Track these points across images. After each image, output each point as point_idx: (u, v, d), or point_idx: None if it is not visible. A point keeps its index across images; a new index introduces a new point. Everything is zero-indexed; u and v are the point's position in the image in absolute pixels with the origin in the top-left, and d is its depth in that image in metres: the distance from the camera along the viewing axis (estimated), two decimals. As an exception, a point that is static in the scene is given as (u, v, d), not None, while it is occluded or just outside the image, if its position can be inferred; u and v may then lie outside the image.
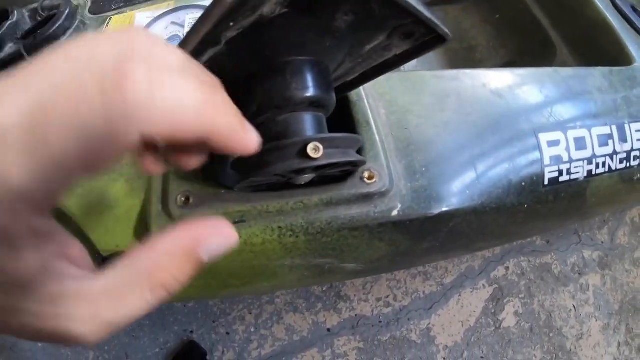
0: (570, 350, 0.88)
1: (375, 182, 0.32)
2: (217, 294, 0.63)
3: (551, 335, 0.88)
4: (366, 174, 0.32)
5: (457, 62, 0.87)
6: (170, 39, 0.61)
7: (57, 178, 0.11)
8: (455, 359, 0.81)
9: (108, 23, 0.64)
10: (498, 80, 0.45)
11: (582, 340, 0.90)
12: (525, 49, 0.86)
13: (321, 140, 0.25)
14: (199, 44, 0.22)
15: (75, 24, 0.54)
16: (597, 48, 0.67)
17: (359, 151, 0.34)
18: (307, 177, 0.29)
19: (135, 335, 0.79)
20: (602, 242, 0.99)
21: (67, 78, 0.11)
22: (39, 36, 0.52)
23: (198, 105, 0.13)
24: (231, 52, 0.25)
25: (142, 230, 0.35)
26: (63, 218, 0.37)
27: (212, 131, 0.14)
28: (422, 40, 0.28)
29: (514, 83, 0.46)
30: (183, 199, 0.32)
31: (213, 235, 0.16)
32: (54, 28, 0.52)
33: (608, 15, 0.62)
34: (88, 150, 0.11)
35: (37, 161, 0.11)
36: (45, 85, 0.11)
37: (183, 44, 0.22)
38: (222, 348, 0.78)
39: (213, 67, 0.26)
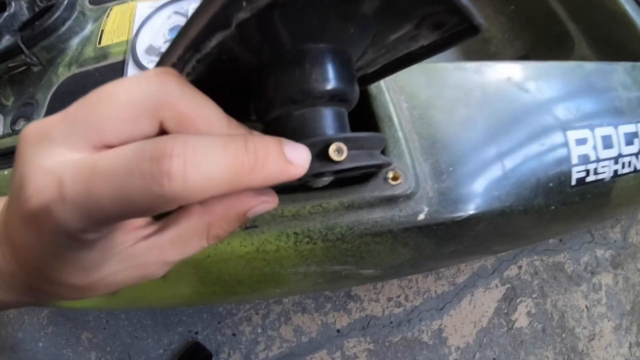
0: (582, 351, 0.86)
1: (400, 183, 0.29)
2: (224, 300, 0.60)
3: (563, 335, 0.86)
4: (390, 175, 0.29)
5: (470, 54, 0.83)
6: (173, 29, 0.58)
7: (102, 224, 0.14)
8: (467, 361, 0.80)
9: (108, 14, 0.61)
10: (522, 73, 0.43)
11: (594, 340, 0.88)
12: (541, 42, 0.83)
13: (345, 140, 0.22)
14: (207, 26, 0.19)
15: (75, 14, 0.51)
16: (617, 42, 0.65)
17: (382, 150, 0.31)
18: (326, 179, 0.27)
19: (138, 336, 0.77)
20: (615, 241, 0.97)
21: (113, 160, 0.14)
22: (37, 27, 0.50)
23: (227, 177, 0.15)
24: (243, 37, 0.22)
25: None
26: None
27: (248, 188, 0.16)
28: (452, 31, 0.25)
29: (539, 77, 0.43)
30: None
31: (261, 203, 0.18)
32: (53, 19, 0.49)
33: (629, 9, 0.59)
34: (129, 212, 0.14)
35: (87, 216, 0.14)
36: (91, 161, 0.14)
37: (188, 25, 0.19)
38: (228, 350, 0.76)
39: (222, 53, 0.23)
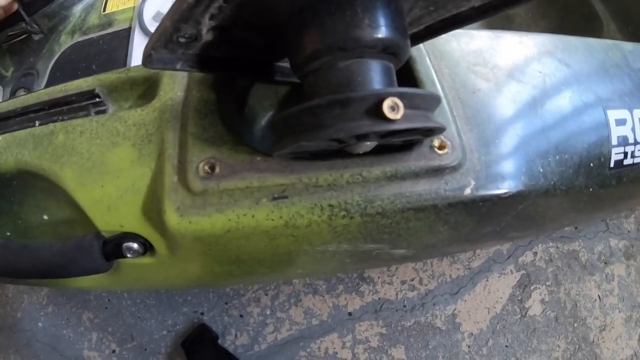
0: (593, 341, 0.85)
1: (447, 152, 0.26)
2: (239, 281, 0.58)
3: (575, 325, 0.85)
4: (437, 143, 0.26)
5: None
6: None
7: None
8: (479, 347, 0.78)
9: None
10: (563, 47, 0.41)
11: (605, 331, 0.87)
12: (567, 23, 0.79)
13: (401, 96, 0.19)
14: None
15: None
16: (647, 25, 0.62)
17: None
18: (370, 144, 0.23)
19: (140, 317, 0.75)
20: (629, 232, 0.96)
21: None
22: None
23: None
24: None
25: (153, 206, 0.28)
26: (48, 189, 0.31)
27: None
28: None
29: (578, 52, 0.41)
30: (207, 167, 0.26)
31: None
32: None
33: (660, -7, 0.56)
34: None
35: None
36: None
37: None
38: (234, 331, 0.74)
39: None
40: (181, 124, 0.28)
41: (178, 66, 0.25)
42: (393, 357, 0.74)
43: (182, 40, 0.23)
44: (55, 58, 0.67)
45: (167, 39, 0.22)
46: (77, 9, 0.71)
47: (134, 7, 0.65)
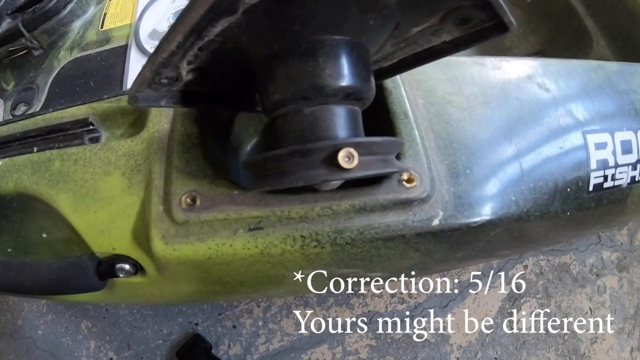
0: (584, 353, 0.86)
1: (415, 186, 0.28)
2: (226, 298, 0.59)
3: (566, 337, 0.85)
4: (405, 176, 0.28)
5: (485, 48, 0.81)
6: (177, 13, 0.56)
7: None
8: (468, 359, 0.79)
9: None
10: (543, 71, 0.41)
11: (596, 344, 0.87)
12: (557, 38, 0.80)
13: (356, 146, 0.20)
14: (209, 11, 0.17)
15: None
16: (636, 42, 0.63)
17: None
18: (334, 184, 0.25)
19: (137, 326, 0.76)
20: (622, 244, 0.96)
21: None
22: (38, 10, 0.48)
23: None
24: (250, 24, 0.20)
25: (142, 232, 0.30)
26: (46, 211, 0.33)
27: None
28: (478, 27, 0.23)
29: (559, 75, 0.41)
30: (189, 199, 0.28)
31: None
32: (54, 1, 0.47)
33: (649, 10, 0.57)
34: None
35: None
36: None
37: (188, 10, 0.17)
38: (228, 342, 0.75)
39: (227, 42, 0.21)
40: (166, 156, 0.30)
41: (162, 103, 0.27)
42: (383, 368, 0.75)
43: (164, 81, 0.25)
44: (55, 73, 0.69)
45: (150, 82, 0.24)
46: (76, 25, 0.73)
47: (131, 24, 0.67)
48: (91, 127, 0.36)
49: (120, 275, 0.34)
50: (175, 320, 0.76)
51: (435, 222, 0.28)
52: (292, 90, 0.21)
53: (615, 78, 0.45)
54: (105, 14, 0.74)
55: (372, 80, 0.24)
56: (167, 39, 0.20)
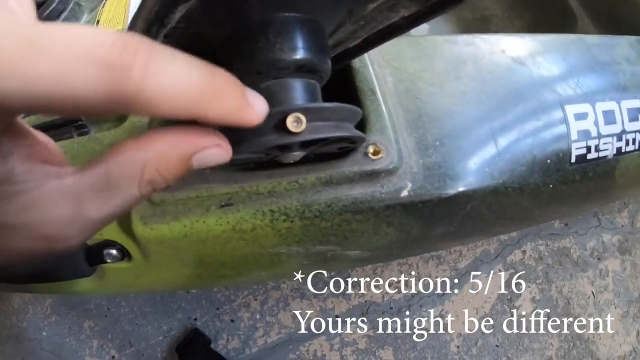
0: (588, 339, 0.84)
1: (381, 157, 0.28)
2: (212, 283, 0.60)
3: (568, 323, 0.84)
4: (371, 149, 0.28)
5: (470, 33, 0.81)
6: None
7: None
8: (469, 347, 0.78)
9: (104, 4, 0.60)
10: (518, 46, 0.41)
11: (600, 328, 0.86)
12: (542, 20, 0.80)
13: (304, 111, 0.21)
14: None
15: (70, 5, 0.50)
16: (620, 19, 0.63)
17: (362, 124, 0.30)
18: (297, 154, 0.25)
19: (138, 323, 0.77)
20: (622, 226, 0.95)
21: (61, 37, 0.11)
22: (31, 19, 0.49)
23: (188, 94, 0.13)
24: (204, 7, 0.21)
25: (125, 217, 0.31)
26: None
27: (204, 118, 0.14)
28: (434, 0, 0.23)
29: (536, 50, 0.41)
30: (163, 181, 0.29)
31: (212, 147, 0.15)
32: (48, 11, 0.48)
33: (632, -15, 0.57)
34: (58, 100, 0.11)
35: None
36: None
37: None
38: (226, 336, 0.76)
39: (188, 27, 0.22)
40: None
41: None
42: (381, 358, 0.75)
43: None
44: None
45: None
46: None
47: (123, 29, 0.68)
48: (80, 122, 0.37)
49: (108, 261, 0.35)
50: (174, 316, 0.77)
51: (404, 193, 0.29)
52: (246, 66, 0.22)
53: (597, 50, 0.44)
54: (98, 21, 0.76)
55: (328, 55, 0.24)
56: (131, 28, 0.21)
